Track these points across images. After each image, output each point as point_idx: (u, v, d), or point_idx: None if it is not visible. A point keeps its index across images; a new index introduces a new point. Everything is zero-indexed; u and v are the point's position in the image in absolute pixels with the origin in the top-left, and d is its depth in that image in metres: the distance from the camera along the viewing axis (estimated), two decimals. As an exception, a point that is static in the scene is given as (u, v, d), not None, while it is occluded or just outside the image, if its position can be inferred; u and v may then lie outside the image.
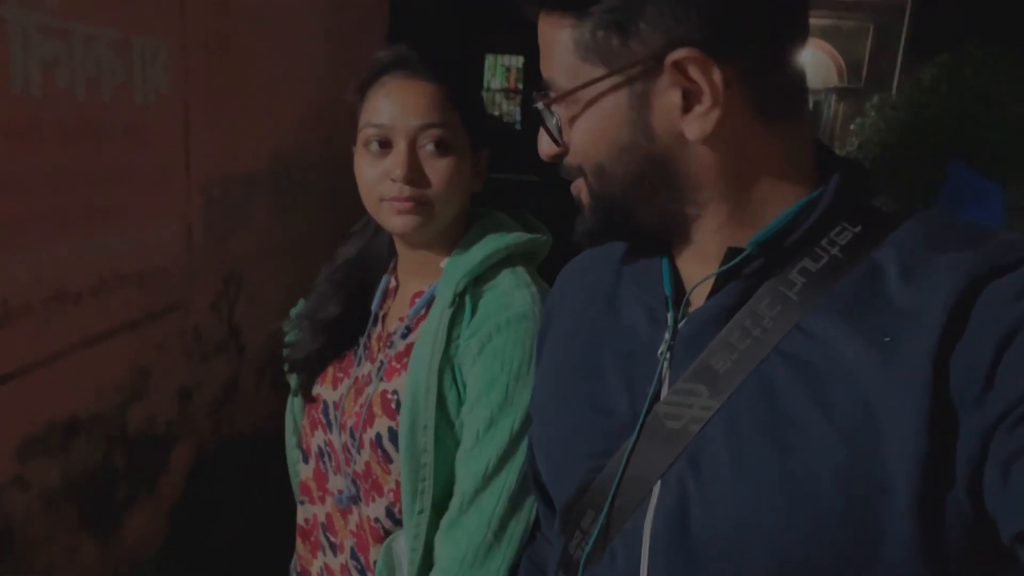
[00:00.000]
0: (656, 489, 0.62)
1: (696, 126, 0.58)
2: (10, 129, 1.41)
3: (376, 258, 1.08)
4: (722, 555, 0.57)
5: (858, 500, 0.52)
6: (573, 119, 0.63)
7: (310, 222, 2.90)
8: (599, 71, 0.60)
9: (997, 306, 0.50)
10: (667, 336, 0.65)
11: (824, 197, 0.60)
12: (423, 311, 0.99)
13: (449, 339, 0.92)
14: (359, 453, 0.97)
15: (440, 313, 0.93)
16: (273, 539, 1.38)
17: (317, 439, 1.06)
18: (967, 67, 6.07)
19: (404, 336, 0.99)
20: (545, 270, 1.04)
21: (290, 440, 1.14)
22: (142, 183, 1.84)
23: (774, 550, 0.55)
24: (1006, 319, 0.49)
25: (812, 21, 0.65)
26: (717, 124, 0.57)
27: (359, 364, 1.03)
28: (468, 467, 0.90)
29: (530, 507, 0.88)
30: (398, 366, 0.97)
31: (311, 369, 1.07)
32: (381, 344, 1.02)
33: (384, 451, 0.95)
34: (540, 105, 0.64)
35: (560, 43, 0.62)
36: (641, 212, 0.64)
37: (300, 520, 1.11)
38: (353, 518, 1.01)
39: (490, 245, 0.96)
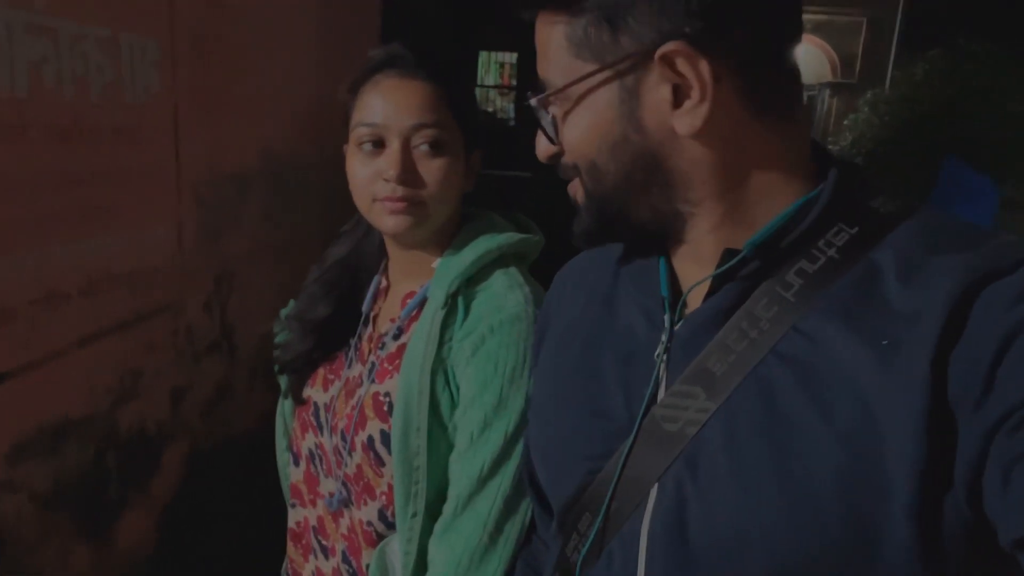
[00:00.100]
0: (653, 491, 0.61)
1: (686, 121, 0.58)
2: (-4, 129, 1.40)
3: (367, 258, 1.08)
4: (719, 558, 0.57)
5: (856, 502, 0.52)
6: (566, 115, 0.63)
7: (303, 221, 2.88)
8: (591, 67, 0.60)
9: (996, 309, 0.50)
10: (664, 338, 0.65)
11: (821, 198, 0.60)
12: (415, 312, 0.98)
13: (442, 341, 0.91)
14: (350, 456, 0.96)
15: (433, 314, 0.92)
16: (267, 541, 1.37)
17: (308, 442, 1.05)
18: (960, 62, 6.09)
19: (396, 337, 0.98)
20: (540, 267, 1.03)
21: (280, 443, 1.14)
22: (132, 183, 1.83)
23: (772, 552, 0.54)
24: (1005, 322, 0.49)
25: (805, 16, 0.65)
26: (707, 119, 0.57)
27: (350, 366, 1.02)
28: (462, 470, 0.89)
29: (525, 509, 0.88)
30: (390, 368, 0.96)
31: (301, 371, 1.06)
32: (372, 345, 1.01)
33: (376, 454, 0.94)
34: (534, 102, 0.65)
35: (554, 41, 0.62)
36: (635, 210, 0.64)
37: (291, 523, 1.10)
38: (344, 521, 1.00)
39: (482, 246, 0.95)
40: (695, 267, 0.65)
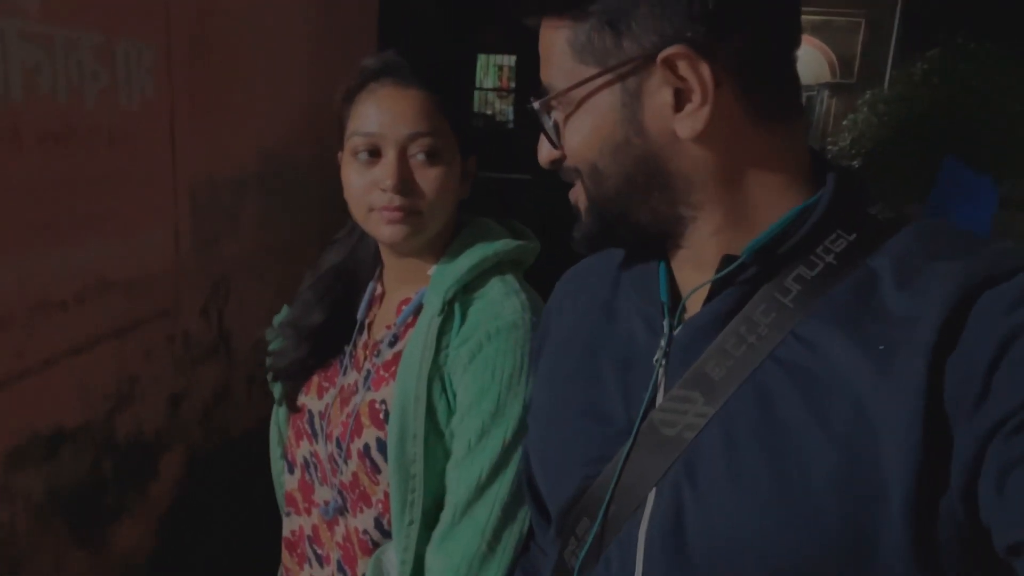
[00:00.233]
0: (651, 496, 0.62)
1: (687, 124, 0.58)
2: (-10, 136, 1.40)
3: (361, 265, 1.07)
4: (717, 562, 0.57)
5: (853, 507, 0.52)
6: (568, 119, 0.64)
7: (300, 225, 2.88)
8: (593, 71, 0.61)
9: (992, 315, 0.50)
10: (663, 343, 0.65)
11: (819, 204, 0.60)
12: (411, 318, 0.98)
13: (438, 347, 0.91)
14: (346, 464, 0.96)
15: (429, 321, 0.92)
16: (264, 548, 1.37)
17: (302, 449, 1.04)
18: (958, 61, 6.10)
19: (392, 344, 0.98)
20: (540, 270, 1.03)
21: (275, 451, 1.13)
22: (128, 188, 1.83)
23: (769, 557, 0.55)
24: (1001, 329, 0.49)
25: (804, 17, 0.67)
26: (708, 122, 0.58)
27: (345, 373, 1.02)
28: (460, 477, 0.89)
29: (523, 517, 0.88)
30: (386, 375, 0.96)
31: (295, 378, 1.06)
32: (367, 352, 1.01)
33: (372, 462, 0.94)
34: (537, 106, 0.65)
35: (557, 46, 0.63)
36: (636, 213, 0.65)
37: (286, 532, 1.10)
38: (339, 529, 1.00)
39: (478, 253, 0.95)
40: (694, 272, 0.65)
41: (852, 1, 11.47)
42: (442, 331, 0.91)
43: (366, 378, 0.98)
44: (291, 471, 1.07)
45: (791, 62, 0.62)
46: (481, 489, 0.87)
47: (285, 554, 1.11)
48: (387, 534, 0.95)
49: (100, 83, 1.68)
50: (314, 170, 2.88)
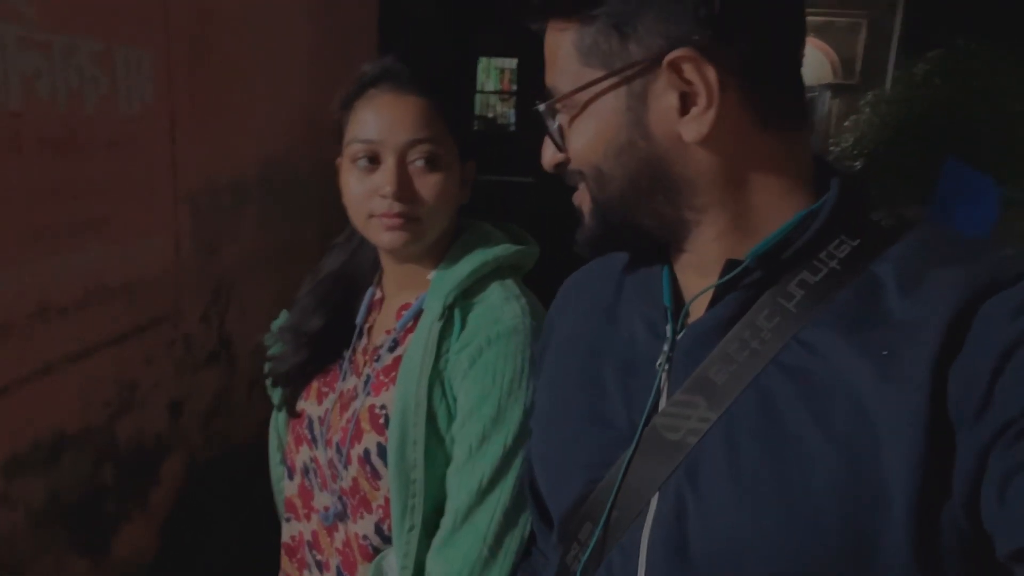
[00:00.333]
0: (654, 501, 0.62)
1: (692, 128, 0.59)
2: (-10, 142, 1.40)
3: (360, 270, 1.07)
4: (719, 567, 0.57)
5: (855, 512, 0.52)
6: (573, 121, 0.64)
7: (301, 230, 2.88)
8: (599, 74, 0.61)
9: (997, 321, 0.50)
10: (666, 348, 0.65)
11: (823, 209, 0.61)
12: (410, 324, 0.98)
13: (439, 353, 0.91)
14: (346, 469, 0.96)
15: (429, 326, 0.92)
16: (264, 553, 1.36)
17: (302, 455, 1.04)
18: (960, 62, 6.09)
19: (391, 349, 0.98)
20: (540, 273, 1.03)
21: (274, 456, 1.13)
22: (128, 194, 1.83)
23: (771, 562, 0.55)
24: (1006, 335, 0.49)
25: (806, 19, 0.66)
26: (713, 126, 0.58)
27: (344, 378, 1.02)
28: (461, 483, 0.88)
29: (525, 522, 0.88)
30: (386, 380, 0.95)
31: (295, 383, 1.06)
32: (367, 358, 1.01)
33: (372, 467, 0.93)
34: (542, 108, 0.66)
35: (563, 49, 0.63)
36: (640, 217, 0.65)
37: (286, 538, 1.10)
38: (339, 535, 0.99)
39: (478, 258, 0.95)
40: (698, 277, 0.65)
41: (853, 2, 11.46)
42: (442, 336, 0.91)
43: (366, 383, 0.97)
44: (290, 477, 1.07)
45: (796, 66, 0.62)
46: (482, 494, 0.87)
47: (285, 560, 1.10)
48: (388, 540, 0.95)
49: (100, 89, 1.68)
50: (314, 175, 2.88)
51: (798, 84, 0.62)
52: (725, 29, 0.57)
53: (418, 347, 0.91)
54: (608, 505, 0.64)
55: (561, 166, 0.68)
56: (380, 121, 0.92)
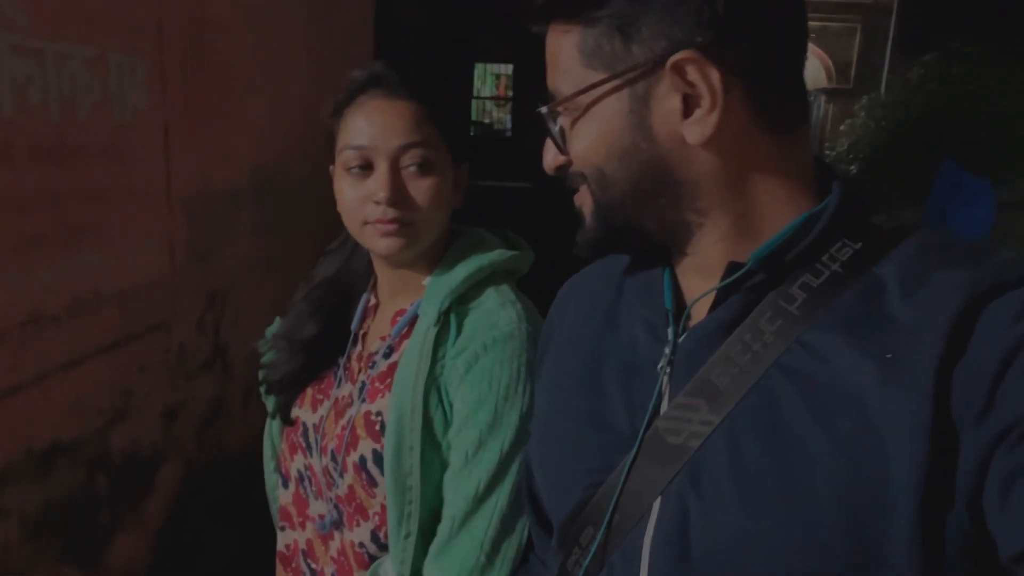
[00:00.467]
0: (656, 505, 0.61)
1: (696, 130, 0.59)
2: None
3: (355, 276, 1.07)
4: (722, 570, 0.57)
5: (858, 516, 0.52)
6: (575, 124, 0.64)
7: (295, 237, 2.88)
8: (601, 76, 0.61)
9: (999, 324, 0.50)
10: (667, 351, 0.65)
11: (825, 212, 0.60)
12: (405, 330, 0.97)
13: (434, 359, 0.91)
14: (341, 477, 0.95)
15: (424, 332, 0.91)
16: (259, 562, 1.36)
17: (297, 463, 1.03)
18: (954, 65, 6.12)
19: (387, 356, 0.97)
20: (537, 278, 1.03)
21: (268, 464, 1.13)
22: (122, 202, 1.82)
23: (774, 566, 0.55)
24: (1008, 338, 0.49)
25: None
26: (716, 128, 0.58)
27: (339, 385, 1.01)
28: (458, 489, 0.88)
29: (522, 529, 0.87)
30: (381, 387, 0.95)
31: (289, 390, 1.05)
32: (362, 364, 1.00)
33: (368, 474, 0.93)
34: (544, 110, 0.66)
35: (565, 51, 0.63)
36: (643, 219, 0.65)
37: (281, 546, 1.09)
38: (334, 544, 0.99)
39: (473, 263, 0.95)
40: (699, 280, 0.65)
41: (848, 7, 11.52)
42: (438, 342, 0.91)
43: (361, 390, 0.97)
44: (285, 485, 1.06)
45: (799, 68, 0.62)
46: (479, 501, 0.86)
47: (280, 569, 1.10)
48: (384, 547, 0.94)
49: (93, 97, 1.68)
50: (308, 182, 2.88)
51: (800, 86, 0.62)
52: (728, 31, 0.57)
53: (414, 353, 0.91)
54: (610, 509, 0.64)
55: (563, 168, 0.68)
56: (371, 127, 0.92)
